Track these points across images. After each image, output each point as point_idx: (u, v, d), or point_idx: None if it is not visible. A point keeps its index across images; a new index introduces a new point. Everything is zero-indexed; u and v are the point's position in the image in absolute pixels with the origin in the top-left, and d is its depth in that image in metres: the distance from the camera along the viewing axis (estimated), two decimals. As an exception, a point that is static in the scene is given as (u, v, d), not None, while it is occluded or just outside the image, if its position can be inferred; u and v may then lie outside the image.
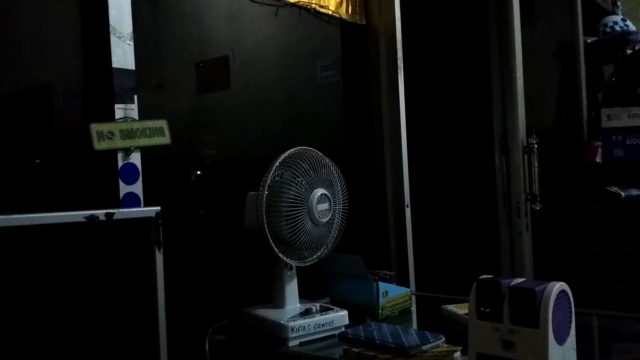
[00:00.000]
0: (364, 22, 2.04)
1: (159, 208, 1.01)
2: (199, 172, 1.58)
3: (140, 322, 0.97)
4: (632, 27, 2.52)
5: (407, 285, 1.87)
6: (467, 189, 2.35)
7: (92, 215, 0.91)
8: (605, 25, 2.57)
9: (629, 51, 2.45)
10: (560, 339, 0.91)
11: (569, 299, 0.95)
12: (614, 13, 2.67)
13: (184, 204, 1.55)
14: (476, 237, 2.31)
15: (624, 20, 2.55)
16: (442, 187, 2.41)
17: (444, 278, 1.95)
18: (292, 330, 1.20)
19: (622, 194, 2.07)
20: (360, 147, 2.06)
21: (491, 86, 2.20)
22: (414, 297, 1.65)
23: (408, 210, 2.02)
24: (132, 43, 1.32)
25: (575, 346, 0.96)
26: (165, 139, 1.33)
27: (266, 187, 1.23)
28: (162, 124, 1.33)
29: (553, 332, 0.89)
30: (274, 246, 1.23)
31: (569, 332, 0.94)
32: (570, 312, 0.95)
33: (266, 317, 1.28)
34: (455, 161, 2.40)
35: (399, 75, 2.00)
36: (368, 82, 2.06)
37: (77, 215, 0.90)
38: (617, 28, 2.53)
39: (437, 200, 2.39)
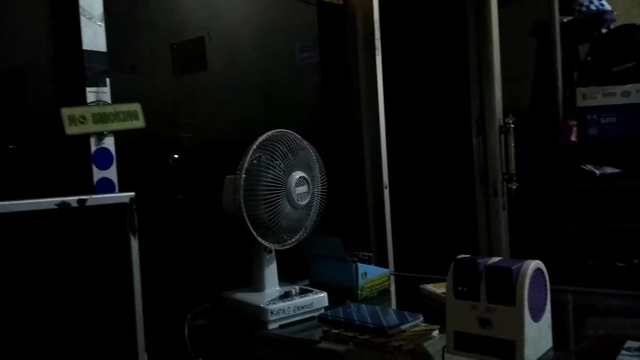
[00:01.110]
0: (341, 2, 2.02)
1: (134, 194, 1.00)
2: (176, 156, 1.56)
3: (116, 310, 0.96)
4: (608, 6, 2.53)
5: (386, 266, 1.88)
6: (445, 169, 2.37)
7: (64, 202, 0.89)
8: (581, 5, 2.57)
9: (604, 30, 2.46)
10: (536, 316, 0.92)
11: (544, 276, 0.96)
12: (590, -8, 2.68)
13: (161, 189, 1.53)
14: (454, 217, 2.34)
15: (599, -1, 2.56)
16: (421, 168, 2.42)
17: (422, 258, 1.97)
18: (272, 313, 1.20)
19: (597, 172, 2.10)
20: (339, 128, 2.06)
21: (468, 67, 2.21)
22: (393, 278, 1.66)
23: (387, 192, 2.03)
24: (103, 24, 1.28)
25: (550, 322, 0.98)
26: (140, 123, 1.31)
27: (243, 171, 1.21)
28: (136, 107, 1.31)
29: (529, 310, 0.90)
30: (252, 230, 1.23)
31: (544, 309, 0.96)
32: (546, 290, 0.97)
33: (246, 301, 1.28)
34: (433, 142, 2.42)
35: (377, 56, 1.99)
36: (346, 63, 2.05)
37: (49, 203, 0.88)
38: (593, 7, 2.54)
39: (416, 181, 2.40)
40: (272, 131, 1.26)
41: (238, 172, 1.22)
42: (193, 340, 1.29)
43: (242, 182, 1.21)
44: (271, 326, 1.21)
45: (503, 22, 2.15)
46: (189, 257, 1.56)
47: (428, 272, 1.56)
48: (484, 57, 2.12)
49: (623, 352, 0.93)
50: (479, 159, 2.13)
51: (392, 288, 1.59)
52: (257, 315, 1.22)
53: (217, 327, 1.32)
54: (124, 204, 0.96)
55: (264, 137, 1.25)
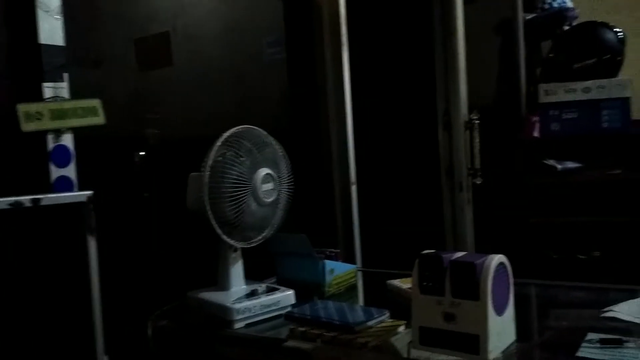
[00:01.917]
0: (307, -3, 2.00)
1: (92, 192, 0.97)
2: (142, 153, 1.53)
3: (73, 312, 0.93)
4: (569, 4, 2.59)
5: (354, 262, 1.89)
6: (412, 164, 2.38)
7: (17, 202, 0.86)
8: (544, 2, 2.62)
9: (566, 27, 2.51)
10: (500, 310, 0.94)
11: (507, 271, 0.97)
12: (552, -10, 2.73)
13: (126, 187, 1.50)
14: (421, 212, 2.36)
15: (561, -3, 2.61)
16: (388, 164, 2.43)
17: (390, 253, 1.98)
18: (238, 312, 1.18)
19: (559, 166, 2.15)
20: (307, 124, 2.05)
21: (435, 62, 2.22)
22: (360, 274, 1.67)
23: (354, 188, 2.03)
24: (60, 17, 1.24)
25: (513, 316, 0.99)
26: (100, 119, 1.27)
27: (208, 168, 1.19)
28: (96, 103, 1.27)
29: (492, 304, 0.91)
30: (217, 228, 1.21)
31: (507, 302, 0.97)
32: (509, 284, 0.98)
33: (211, 300, 1.26)
34: (400, 138, 2.43)
35: (344, 51, 1.98)
36: (313, 59, 2.04)
37: (1, 202, 0.85)
38: (555, 5, 2.59)
39: (383, 176, 2.41)
40: (237, 127, 1.25)
41: (202, 169, 1.20)
42: (157, 341, 1.26)
43: (206, 180, 1.18)
44: (237, 325, 1.20)
45: (468, 18, 2.17)
46: (153, 257, 1.53)
47: (395, 268, 1.56)
48: (449, 53, 2.14)
49: (584, 344, 0.95)
50: (445, 154, 2.14)
51: (360, 284, 1.60)
52: (223, 315, 1.21)
53: (181, 328, 1.30)
54: (81, 203, 0.93)
55: (228, 133, 1.23)
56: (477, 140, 2.04)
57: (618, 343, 0.93)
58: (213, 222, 1.20)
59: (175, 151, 1.60)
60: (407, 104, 2.43)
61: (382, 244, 2.23)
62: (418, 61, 2.32)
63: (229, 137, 1.23)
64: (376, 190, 2.30)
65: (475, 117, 2.04)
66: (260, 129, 1.29)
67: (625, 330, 1.03)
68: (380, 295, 1.46)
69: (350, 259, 1.94)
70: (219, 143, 1.21)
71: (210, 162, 1.19)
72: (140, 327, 1.29)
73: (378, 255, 2.09)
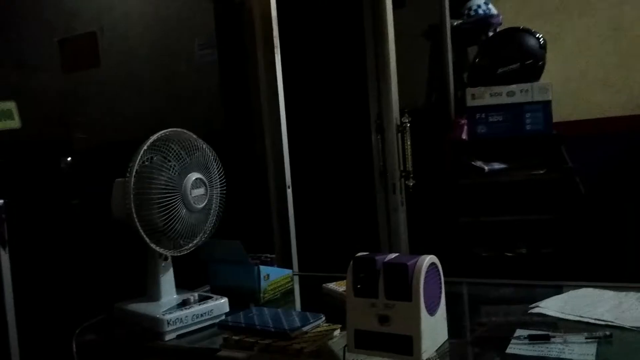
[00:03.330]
0: (238, -1, 1.97)
1: (2, 201, 0.90)
2: (69, 159, 1.45)
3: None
4: (494, 11, 2.69)
5: (290, 267, 1.87)
6: (346, 167, 2.40)
7: None
8: (470, 9, 2.72)
9: (490, 33, 2.61)
10: (432, 310, 0.95)
11: (438, 271, 0.99)
12: (478, -3, 2.84)
13: (50, 194, 1.42)
14: (356, 215, 2.37)
15: (486, 3, 2.71)
16: (323, 167, 2.44)
17: (326, 256, 1.98)
18: (168, 323, 1.14)
19: (486, 167, 2.22)
20: (240, 128, 2.02)
21: (366, 67, 2.25)
22: (296, 278, 1.65)
23: (289, 191, 2.01)
24: (-31, 14, 1.16)
25: (445, 315, 1.01)
26: (15, 123, 1.19)
27: (133, 173, 1.14)
28: (11, 105, 1.19)
29: (424, 304, 0.92)
30: (145, 236, 1.16)
31: (439, 302, 0.98)
32: (440, 284, 0.99)
33: (140, 312, 1.21)
34: (334, 141, 2.44)
35: (276, 54, 1.96)
36: (245, 61, 2.01)
37: None
38: (480, 11, 2.69)
39: (318, 179, 2.41)
40: (165, 130, 1.20)
41: (127, 174, 1.14)
42: (82, 357, 1.19)
43: (132, 186, 1.13)
44: (168, 337, 1.15)
45: (398, 24, 2.21)
46: (79, 268, 1.46)
47: (332, 271, 1.56)
48: (380, 58, 2.17)
49: (514, 340, 0.98)
50: (378, 157, 2.17)
51: (296, 289, 1.58)
52: (153, 327, 1.16)
53: (108, 342, 1.24)
54: (-9, 213, 0.86)
55: (155, 136, 1.18)
56: (408, 143, 2.08)
57: (545, 339, 0.97)
58: (140, 230, 1.15)
59: (104, 156, 1.53)
60: (340, 107, 2.44)
61: (318, 247, 2.22)
62: (350, 65, 2.34)
63: (155, 140, 1.18)
64: (311, 193, 2.29)
65: (406, 121, 2.08)
66: (189, 132, 1.25)
67: (552, 325, 1.07)
68: (316, 300, 1.45)
69: (287, 264, 1.92)
70: (145, 147, 1.16)
71: (136, 167, 1.14)
72: (64, 343, 1.22)
73: (315, 258, 2.08)
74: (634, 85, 2.80)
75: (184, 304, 1.21)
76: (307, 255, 2.07)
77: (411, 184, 2.04)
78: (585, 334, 0.97)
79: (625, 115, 2.80)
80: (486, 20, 2.63)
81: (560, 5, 2.90)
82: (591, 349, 0.93)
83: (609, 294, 1.20)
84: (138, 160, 1.15)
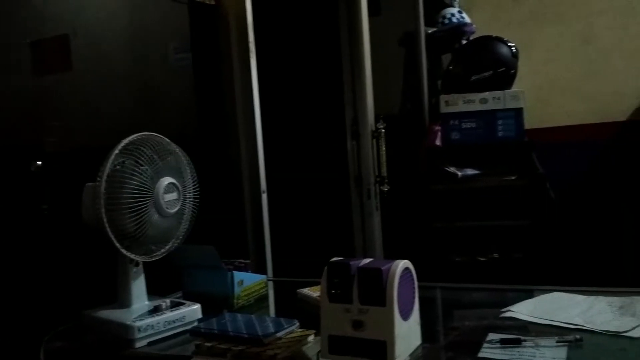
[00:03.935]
0: (213, 2, 1.96)
1: (-33, 206, 0.88)
2: (39, 163, 1.42)
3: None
4: (467, 19, 2.73)
5: (265, 272, 1.86)
6: (322, 172, 2.40)
7: None
8: (444, 17, 2.75)
9: (464, 41, 2.65)
10: (405, 315, 0.95)
11: (412, 276, 0.99)
12: (452, 5, 2.88)
13: (19, 199, 1.39)
14: (331, 220, 2.38)
15: (460, 12, 2.75)
16: (298, 172, 2.43)
17: (301, 262, 1.97)
18: (139, 330, 1.12)
19: (459, 173, 2.25)
20: (215, 132, 2.00)
21: (342, 73, 2.26)
22: (271, 284, 1.64)
23: (265, 196, 2.00)
24: None
25: (419, 320, 1.01)
26: (-19, 126, 1.16)
27: (104, 177, 1.12)
28: (-23, 108, 1.16)
29: (398, 309, 0.92)
30: (115, 242, 1.13)
31: (413, 307, 0.98)
32: (414, 288, 1.00)
33: (110, 319, 1.18)
34: (309, 146, 2.44)
35: (252, 59, 1.96)
36: (220, 65, 2.00)
37: None
38: (454, 20, 2.73)
39: (294, 184, 2.41)
40: (137, 134, 1.18)
41: (98, 179, 1.12)
42: (50, 365, 1.16)
43: (102, 190, 1.11)
44: (139, 344, 1.13)
45: (374, 31, 2.23)
46: (48, 273, 1.43)
47: (307, 276, 1.56)
48: (356, 64, 2.18)
49: (486, 344, 0.99)
50: (354, 162, 2.18)
51: (271, 294, 1.57)
52: (123, 334, 1.13)
53: (78, 350, 1.21)
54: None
55: (127, 140, 1.16)
56: (383, 148, 2.09)
57: (517, 342, 0.98)
58: (111, 235, 1.12)
59: (76, 160, 1.50)
60: (316, 113, 2.45)
61: (293, 252, 2.22)
62: (326, 71, 2.35)
63: (127, 144, 1.16)
64: (286, 198, 2.28)
65: (381, 127, 2.09)
66: (162, 136, 1.23)
67: (523, 329, 1.08)
68: (291, 305, 1.45)
69: (262, 269, 1.91)
70: (116, 151, 1.14)
71: (107, 171, 1.12)
72: (32, 351, 1.19)
73: (290, 264, 2.07)
74: (603, 94, 2.87)
75: (155, 310, 1.19)
76: (282, 260, 2.06)
77: (386, 190, 2.05)
78: (556, 338, 0.98)
79: (594, 123, 2.87)
80: (460, 28, 2.66)
81: (531, 15, 2.96)
82: (562, 352, 0.94)
83: (579, 298, 1.22)
84: (109, 164, 1.13)
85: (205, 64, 1.99)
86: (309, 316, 1.16)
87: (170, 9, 1.87)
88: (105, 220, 1.11)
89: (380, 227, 2.12)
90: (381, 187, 2.07)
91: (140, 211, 1.14)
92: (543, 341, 0.98)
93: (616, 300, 1.17)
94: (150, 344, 1.15)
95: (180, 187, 1.24)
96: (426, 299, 1.10)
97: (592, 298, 1.20)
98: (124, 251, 1.16)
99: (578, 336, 0.98)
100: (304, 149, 2.42)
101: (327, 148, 2.36)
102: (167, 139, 1.24)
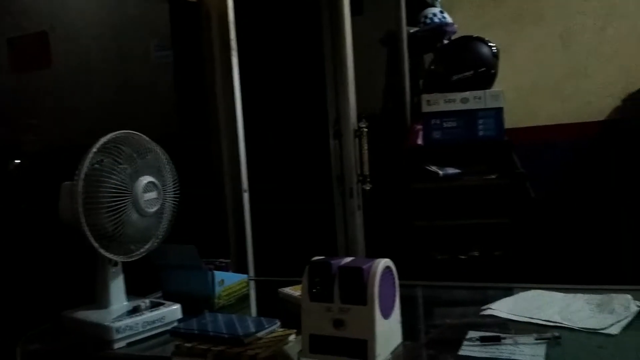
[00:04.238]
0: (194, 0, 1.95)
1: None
2: (17, 161, 1.39)
3: None
4: (449, 19, 2.75)
5: (247, 271, 1.85)
6: (305, 172, 2.40)
7: None
8: (426, 17, 2.76)
9: (445, 41, 2.66)
10: (386, 313, 0.95)
11: (393, 274, 0.99)
12: (433, 5, 2.89)
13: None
14: (314, 219, 2.37)
15: (442, 12, 2.76)
16: (281, 171, 2.43)
17: (284, 261, 1.97)
18: (118, 331, 1.10)
19: (440, 172, 2.26)
20: (196, 130, 1.98)
21: (325, 72, 2.25)
22: (253, 283, 1.63)
23: (246, 195, 1.99)
24: None
25: (400, 318, 1.01)
26: (-44, 124, 1.14)
27: (82, 176, 1.10)
28: (-49, 105, 1.14)
29: (379, 308, 0.92)
30: (93, 242, 1.12)
31: (393, 305, 0.99)
32: (395, 287, 1.00)
33: (88, 320, 1.16)
34: (292, 145, 2.43)
35: (233, 57, 1.94)
36: (202, 63, 1.98)
37: None
38: (436, 19, 2.74)
39: (276, 184, 2.40)
40: (116, 132, 1.17)
41: (76, 177, 1.10)
42: (26, 367, 1.14)
43: (80, 189, 1.09)
44: (117, 345, 1.11)
45: (356, 30, 2.23)
46: (25, 273, 1.40)
47: (290, 275, 1.55)
48: (338, 64, 2.18)
49: (466, 342, 0.99)
50: (336, 161, 2.17)
51: (252, 294, 1.56)
52: (102, 335, 1.12)
53: (55, 351, 1.19)
54: None
55: (105, 139, 1.15)
56: (365, 148, 2.09)
57: (496, 340, 0.98)
58: (88, 234, 1.11)
59: (55, 159, 1.47)
60: (298, 112, 2.44)
61: (276, 251, 2.21)
62: (309, 70, 2.35)
63: (106, 142, 1.14)
64: (269, 197, 2.27)
65: (363, 126, 2.09)
66: (141, 135, 1.22)
67: (503, 327, 1.09)
68: (272, 304, 1.44)
69: (243, 268, 1.90)
70: (94, 149, 1.12)
71: (84, 170, 1.10)
72: (7, 352, 1.16)
73: (272, 263, 2.07)
74: (582, 94, 2.91)
75: (134, 311, 1.18)
76: (264, 259, 2.05)
77: (368, 189, 2.05)
78: (535, 335, 0.99)
79: (573, 123, 2.91)
80: (441, 28, 2.68)
81: (513, 15, 2.98)
82: (541, 350, 0.95)
83: (557, 295, 1.23)
84: (87, 163, 1.11)
85: (187, 62, 1.97)
86: (291, 315, 1.16)
87: (151, 6, 1.85)
88: (82, 219, 1.10)
89: (363, 226, 2.12)
90: (363, 186, 2.07)
91: (119, 210, 1.13)
92: (522, 339, 0.98)
93: (594, 297, 1.18)
94: (129, 344, 1.13)
95: (160, 186, 1.23)
96: (408, 297, 1.11)
97: (570, 296, 1.22)
98: (102, 251, 1.14)
99: (556, 333, 0.99)
100: (287, 147, 2.42)
101: (310, 147, 2.35)
102: (146, 137, 1.23)
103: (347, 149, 2.12)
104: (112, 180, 1.13)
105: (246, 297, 1.50)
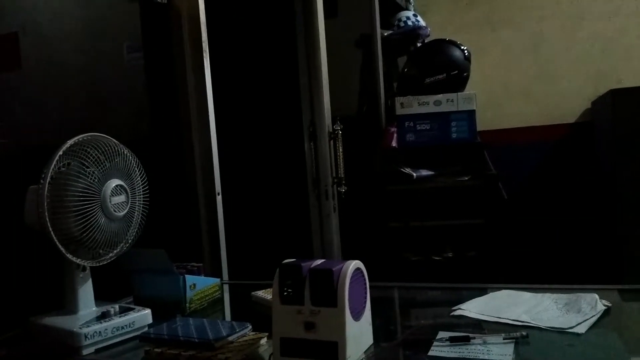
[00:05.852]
0: (164, 1, 1.92)
1: None
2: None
3: None
4: (422, 22, 2.77)
5: (220, 275, 1.83)
6: (279, 174, 2.39)
7: None
8: (400, 20, 2.79)
9: (419, 44, 2.69)
10: (357, 315, 0.95)
11: (363, 276, 0.99)
12: (407, 9, 2.92)
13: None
14: (289, 221, 2.37)
15: (415, 15, 2.79)
16: (255, 174, 2.41)
17: (258, 264, 1.95)
18: (86, 337, 1.08)
19: (414, 174, 2.28)
20: (168, 133, 1.96)
21: (299, 74, 2.25)
22: (226, 287, 1.62)
23: (219, 198, 1.97)
24: None
25: (370, 320, 1.01)
26: None
27: (48, 179, 1.08)
28: None
29: (350, 309, 0.92)
30: (60, 246, 1.10)
31: (364, 307, 0.99)
32: (365, 289, 1.00)
33: (56, 326, 1.14)
34: (266, 147, 2.42)
35: (205, 59, 1.93)
36: (173, 65, 1.96)
37: None
38: (410, 23, 2.76)
39: (250, 186, 2.39)
40: (83, 135, 1.15)
41: (42, 181, 1.08)
42: (-9, 376, 1.11)
43: (45, 193, 1.07)
44: (85, 351, 1.09)
45: (330, 33, 2.23)
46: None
47: (264, 278, 1.54)
48: (313, 66, 2.18)
49: (435, 343, 1.00)
50: (311, 164, 2.17)
51: (226, 297, 1.55)
52: (69, 341, 1.09)
53: (23, 358, 1.16)
54: None
55: (72, 141, 1.12)
56: (340, 150, 2.09)
57: (465, 340, 0.99)
58: (55, 239, 1.08)
59: (21, 161, 1.44)
60: (273, 114, 2.43)
61: (250, 255, 2.20)
62: (283, 72, 2.34)
63: (72, 145, 1.12)
64: (243, 200, 2.26)
65: (338, 128, 2.09)
66: (110, 137, 1.20)
67: (473, 327, 1.10)
68: (245, 308, 1.43)
69: (217, 272, 1.88)
70: (60, 152, 1.10)
71: (50, 173, 1.08)
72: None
73: (247, 266, 2.05)
74: (552, 97, 2.97)
75: (103, 316, 1.16)
76: (238, 263, 2.03)
77: (343, 191, 2.06)
78: (503, 335, 1.00)
79: (544, 125, 2.96)
80: (415, 31, 2.70)
81: (484, 19, 3.03)
82: (509, 349, 0.96)
83: (526, 295, 1.25)
84: (52, 166, 1.09)
85: (158, 64, 1.94)
86: (263, 319, 1.15)
87: (123, 7, 1.83)
88: (49, 224, 1.07)
89: (338, 228, 2.12)
90: (339, 189, 2.08)
91: (87, 214, 1.11)
92: (491, 338, 0.99)
93: (562, 297, 1.20)
94: (97, 351, 1.11)
95: (129, 190, 1.21)
96: (381, 299, 1.11)
97: (539, 295, 1.23)
98: (69, 256, 1.12)
99: (524, 333, 1.00)
100: (261, 150, 2.40)
101: (285, 149, 2.35)
102: (114, 140, 1.21)
103: (322, 151, 2.12)
104: (79, 184, 1.10)
105: (219, 301, 1.49)
